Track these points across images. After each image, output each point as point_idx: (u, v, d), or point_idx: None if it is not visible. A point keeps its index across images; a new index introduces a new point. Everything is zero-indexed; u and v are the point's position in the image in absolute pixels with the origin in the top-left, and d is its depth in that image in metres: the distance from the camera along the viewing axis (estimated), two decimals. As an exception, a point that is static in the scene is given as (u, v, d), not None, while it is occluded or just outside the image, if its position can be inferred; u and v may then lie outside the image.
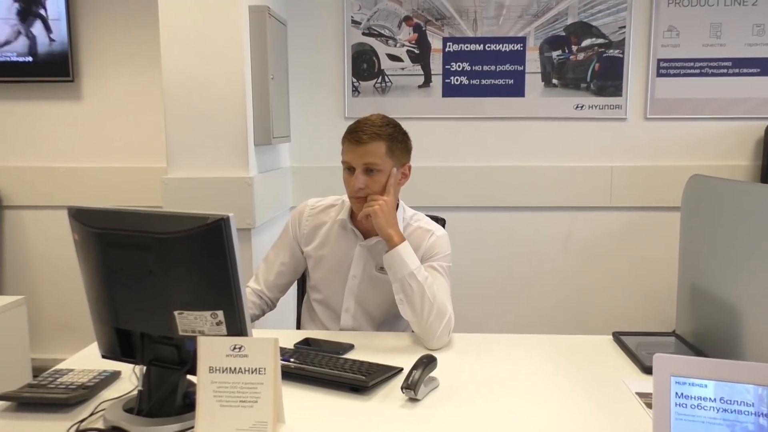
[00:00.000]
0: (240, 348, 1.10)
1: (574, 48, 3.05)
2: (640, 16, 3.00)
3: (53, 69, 3.12)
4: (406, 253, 1.57)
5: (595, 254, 3.14)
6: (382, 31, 3.10)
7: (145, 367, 1.20)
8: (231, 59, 2.42)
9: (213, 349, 1.10)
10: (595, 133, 3.09)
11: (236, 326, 1.11)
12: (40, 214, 3.26)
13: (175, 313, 1.11)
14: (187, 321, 1.12)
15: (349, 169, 1.65)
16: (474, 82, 3.11)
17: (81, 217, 1.16)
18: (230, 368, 1.10)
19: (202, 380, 1.10)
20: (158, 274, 1.11)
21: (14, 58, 3.13)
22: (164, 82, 2.43)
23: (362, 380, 1.30)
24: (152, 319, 1.16)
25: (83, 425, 1.14)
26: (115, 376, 1.36)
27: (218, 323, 1.11)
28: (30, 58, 3.13)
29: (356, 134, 1.61)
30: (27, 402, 1.22)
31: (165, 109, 2.44)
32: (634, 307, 3.13)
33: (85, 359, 1.47)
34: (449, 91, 3.12)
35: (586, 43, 3.04)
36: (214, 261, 1.08)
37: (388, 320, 1.76)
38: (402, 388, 1.26)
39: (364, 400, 1.27)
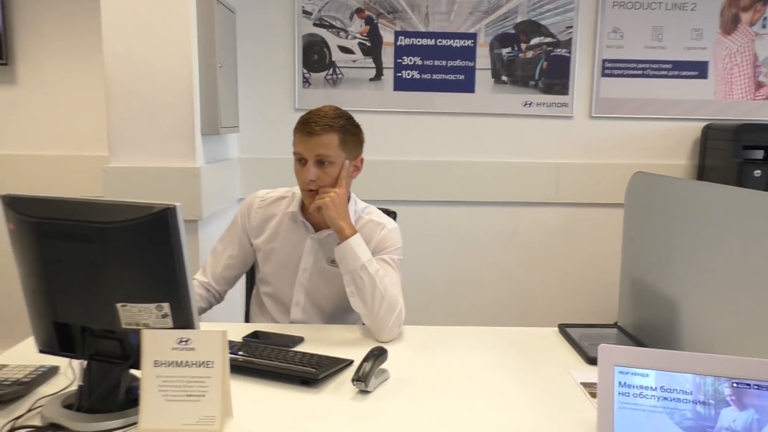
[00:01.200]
0: (186, 341, 1.07)
1: (523, 46, 3.10)
2: (586, 17, 3.07)
3: (-15, 50, 2.96)
4: (357, 245, 1.57)
5: (541, 249, 3.21)
6: (334, 23, 3.08)
7: (85, 362, 1.15)
8: (177, 46, 2.34)
9: (158, 343, 1.07)
10: (542, 130, 3.15)
11: (183, 319, 1.08)
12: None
13: (118, 305, 1.08)
14: (130, 314, 1.08)
15: (301, 160, 1.63)
16: (425, 76, 3.12)
17: (17, 205, 1.11)
18: (176, 362, 1.07)
19: (146, 374, 1.07)
20: (100, 265, 1.07)
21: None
22: (106, 67, 2.33)
23: (312, 373, 1.28)
24: (93, 312, 1.11)
25: (19, 422, 1.08)
26: (53, 371, 1.30)
27: (164, 316, 1.08)
28: (-40, 38, 2.96)
29: (309, 125, 1.59)
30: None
31: (106, 96, 2.35)
32: (578, 301, 3.22)
33: (22, 354, 1.40)
34: (400, 85, 3.12)
35: (534, 41, 3.09)
36: (159, 252, 1.05)
37: (339, 313, 1.75)
38: (352, 380, 1.26)
39: (314, 393, 1.26)
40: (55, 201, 1.09)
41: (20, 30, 3.00)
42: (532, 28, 3.09)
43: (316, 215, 1.66)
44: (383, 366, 1.33)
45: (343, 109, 1.69)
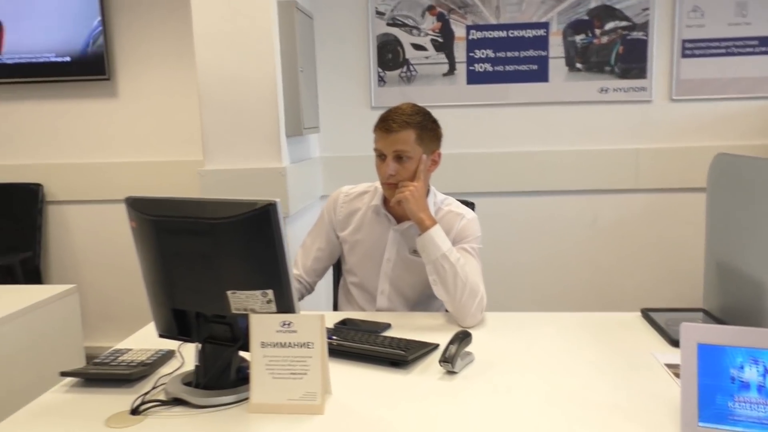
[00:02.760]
0: (289, 324, 1.18)
1: (598, 31, 3.07)
2: (663, -2, 3.01)
3: (90, 68, 3.24)
4: (438, 235, 1.64)
5: (622, 236, 3.18)
6: (406, 21, 3.16)
7: (200, 345, 1.28)
8: (262, 54, 2.50)
9: (264, 326, 1.19)
10: (620, 115, 3.11)
11: (285, 304, 1.19)
12: (81, 208, 3.40)
13: (228, 293, 1.20)
14: (239, 300, 1.20)
15: (381, 156, 1.72)
16: (498, 68, 3.15)
17: (138, 205, 1.25)
18: (281, 343, 1.18)
19: (255, 354, 1.19)
20: (212, 257, 1.20)
21: (53, 59, 3.26)
22: (199, 79, 2.52)
23: (402, 355, 1.37)
24: (207, 299, 1.24)
25: (147, 397, 1.23)
26: (170, 354, 1.45)
27: (268, 301, 1.19)
28: (68, 58, 3.25)
29: (387, 123, 1.68)
30: (93, 378, 1.32)
31: (200, 105, 2.54)
32: (659, 288, 3.16)
33: (141, 340, 1.57)
34: (474, 78, 3.16)
35: (609, 26, 3.06)
36: (263, 243, 1.16)
37: (422, 301, 1.83)
38: (440, 362, 1.33)
39: (404, 374, 1.35)
40: (171, 201, 1.23)
41: (120, 48, 3.27)
42: (606, 12, 3.05)
43: (398, 208, 1.75)
44: (468, 349, 1.40)
45: (420, 105, 1.77)
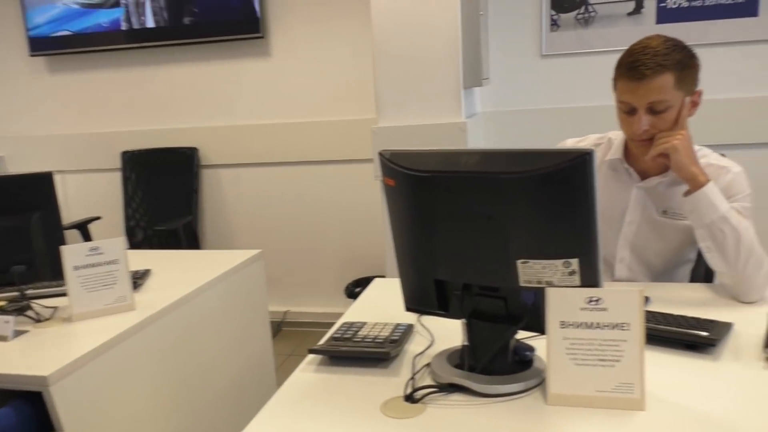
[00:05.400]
0: (598, 300, 0.97)
1: (825, -48, 2.58)
2: None
3: (244, 27, 3.15)
4: (714, 194, 1.36)
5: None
6: (584, -46, 2.80)
7: (465, 321, 1.10)
8: (441, -4, 2.27)
9: (565, 302, 0.98)
10: None
11: (591, 277, 0.98)
12: (234, 172, 3.35)
13: (518, 262, 1.00)
14: (532, 271, 1.00)
15: (629, 110, 1.43)
16: (695, 3, 2.74)
17: (401, 160, 1.07)
18: (586, 323, 0.97)
19: (552, 336, 0.99)
20: (500, 219, 0.99)
21: (207, 17, 3.19)
22: (374, 29, 2.33)
23: (705, 337, 1.12)
24: (483, 269, 1.05)
25: (417, 382, 1.07)
26: (410, 329, 1.29)
27: (571, 273, 0.98)
28: (223, 17, 3.17)
29: (636, 69, 1.37)
30: (344, 356, 1.17)
31: (374, 57, 2.36)
32: None
33: (359, 313, 1.42)
34: (665, 16, 2.77)
35: (840, -56, 2.56)
36: (572, 202, 0.95)
37: (668, 270, 1.57)
38: (766, 347, 1.08)
39: (711, 361, 1.10)
40: (445, 153, 1.03)
41: (273, 4, 3.14)
42: (837, -72, 2.55)
43: (648, 162, 1.48)
44: (784, 332, 1.13)
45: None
